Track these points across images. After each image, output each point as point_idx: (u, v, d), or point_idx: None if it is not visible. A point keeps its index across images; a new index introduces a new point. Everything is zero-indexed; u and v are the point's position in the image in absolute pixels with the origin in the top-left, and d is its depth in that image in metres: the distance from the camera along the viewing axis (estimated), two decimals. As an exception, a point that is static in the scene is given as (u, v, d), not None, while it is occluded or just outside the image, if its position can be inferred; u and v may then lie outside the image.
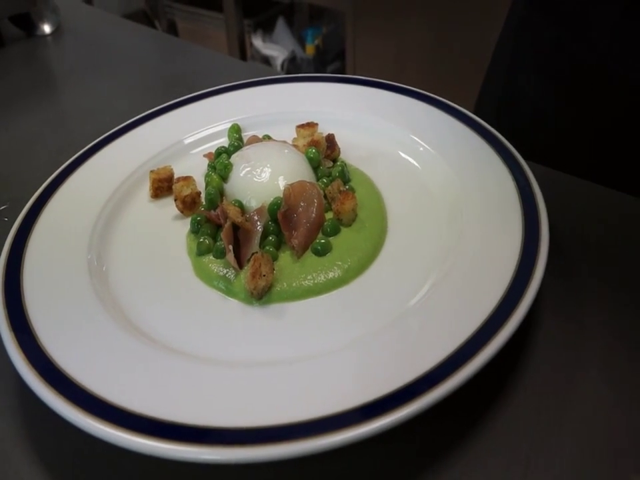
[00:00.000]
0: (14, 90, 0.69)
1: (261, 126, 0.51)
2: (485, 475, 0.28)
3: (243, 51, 2.69)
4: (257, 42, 2.65)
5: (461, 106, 0.47)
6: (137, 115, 0.52)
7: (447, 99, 0.48)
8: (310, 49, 2.48)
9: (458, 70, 1.80)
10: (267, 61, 2.63)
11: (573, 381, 0.32)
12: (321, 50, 2.54)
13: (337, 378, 0.30)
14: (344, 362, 0.31)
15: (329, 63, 2.54)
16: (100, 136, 0.50)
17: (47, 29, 0.82)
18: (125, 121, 0.51)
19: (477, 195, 0.39)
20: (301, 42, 2.56)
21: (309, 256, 0.38)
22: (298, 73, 0.52)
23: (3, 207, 0.47)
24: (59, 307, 0.34)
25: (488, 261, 0.34)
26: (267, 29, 2.67)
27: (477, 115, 0.46)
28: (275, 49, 2.60)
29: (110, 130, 0.50)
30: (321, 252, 0.38)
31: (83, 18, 0.86)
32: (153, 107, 0.53)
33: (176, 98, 0.54)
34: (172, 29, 3.12)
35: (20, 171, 0.53)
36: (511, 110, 0.64)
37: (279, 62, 2.54)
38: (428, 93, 0.49)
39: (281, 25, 2.63)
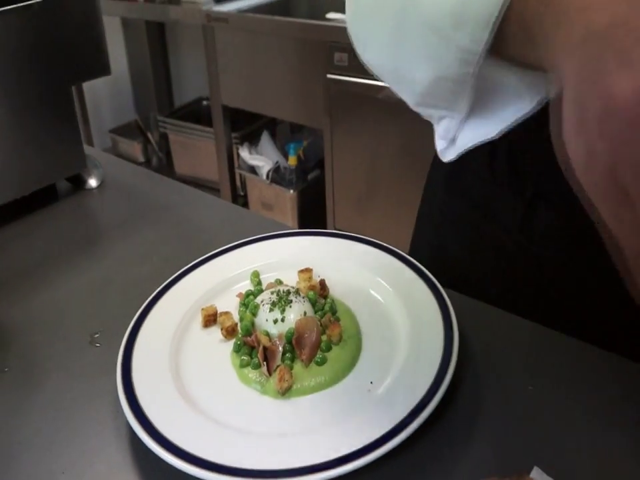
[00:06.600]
0: (72, 239, 0.87)
1: (273, 270, 0.73)
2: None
3: (230, 162, 2.92)
4: (244, 153, 2.86)
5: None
6: (175, 261, 0.74)
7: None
8: (292, 160, 2.71)
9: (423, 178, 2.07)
10: (253, 170, 2.85)
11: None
12: (302, 160, 2.78)
13: (327, 441, 0.50)
14: (333, 432, 0.52)
15: (309, 171, 2.78)
16: (149, 281, 0.71)
17: (93, 183, 1.02)
18: (168, 267, 0.73)
19: (414, 320, 0.62)
20: (284, 153, 2.79)
21: (313, 366, 0.59)
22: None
23: (96, 335, 0.68)
24: (161, 400, 0.55)
25: (421, 365, 0.56)
26: (252, 141, 2.90)
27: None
28: (261, 160, 2.81)
29: (158, 275, 0.72)
30: (320, 363, 0.59)
31: (122, 173, 1.08)
32: (187, 254, 0.75)
33: (202, 246, 0.77)
34: (164, 140, 3.37)
35: (99, 307, 0.73)
36: (439, 266, 0.71)
37: (264, 171, 2.75)
38: (390, 246, 0.72)
39: (265, 138, 2.86)
